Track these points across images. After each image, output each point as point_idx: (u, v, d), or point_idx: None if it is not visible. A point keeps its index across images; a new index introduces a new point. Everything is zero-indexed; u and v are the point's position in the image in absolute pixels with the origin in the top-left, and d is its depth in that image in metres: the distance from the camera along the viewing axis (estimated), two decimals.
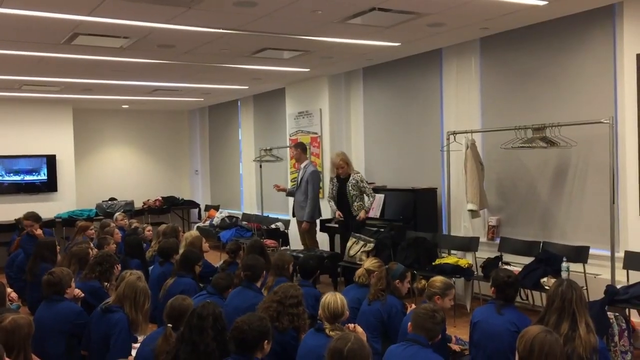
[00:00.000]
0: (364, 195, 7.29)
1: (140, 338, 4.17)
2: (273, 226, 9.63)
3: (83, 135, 12.26)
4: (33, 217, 7.27)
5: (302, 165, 8.11)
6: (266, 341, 3.12)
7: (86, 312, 4.51)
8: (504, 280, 3.90)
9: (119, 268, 5.11)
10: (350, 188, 7.31)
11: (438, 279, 4.19)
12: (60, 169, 11.35)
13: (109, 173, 12.94)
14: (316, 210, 7.99)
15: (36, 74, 8.26)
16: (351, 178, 7.36)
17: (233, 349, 3.13)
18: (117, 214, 9.23)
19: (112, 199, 12.27)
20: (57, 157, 11.31)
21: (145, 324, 4.16)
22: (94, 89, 9.69)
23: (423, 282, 4.46)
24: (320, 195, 8.33)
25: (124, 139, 13.24)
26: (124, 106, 12.55)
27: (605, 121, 5.29)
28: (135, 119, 13.27)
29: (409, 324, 3.38)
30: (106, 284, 4.95)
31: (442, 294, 4.05)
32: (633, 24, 5.17)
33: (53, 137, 11.32)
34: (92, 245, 6.16)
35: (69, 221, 10.55)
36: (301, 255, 7.10)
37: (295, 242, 8.90)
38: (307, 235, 8.02)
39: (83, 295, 4.73)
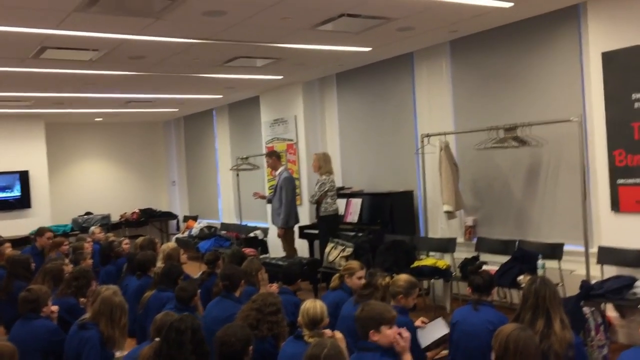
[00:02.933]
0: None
1: (118, 353, 4.11)
2: (252, 234, 9.60)
3: (56, 150, 12.11)
4: None
5: (278, 173, 8.12)
6: (250, 347, 3.12)
7: (62, 329, 4.46)
8: (478, 283, 3.94)
9: (96, 285, 5.04)
10: (315, 188, 7.46)
11: (402, 278, 4.18)
12: (33, 184, 11.20)
13: (85, 187, 12.79)
14: (291, 217, 7.96)
15: (5, 89, 8.15)
16: (319, 178, 7.43)
17: None
18: (93, 228, 9.12)
19: (88, 214, 12.14)
20: (30, 173, 11.16)
21: (123, 339, 4.10)
22: (66, 102, 9.58)
23: (387, 279, 4.44)
24: (298, 202, 8.33)
25: (98, 153, 13.11)
26: (97, 119, 12.43)
27: (574, 119, 5.38)
28: (109, 132, 13.15)
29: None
30: (82, 299, 4.88)
31: (406, 293, 4.05)
32: (597, 23, 5.28)
33: (26, 153, 11.17)
34: (66, 261, 6.08)
35: None
36: (281, 263, 7.11)
37: (275, 250, 8.88)
38: (284, 241, 8.01)
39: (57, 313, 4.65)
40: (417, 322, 4.32)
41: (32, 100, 9.15)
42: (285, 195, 7.85)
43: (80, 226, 11.39)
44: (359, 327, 3.25)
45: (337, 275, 4.93)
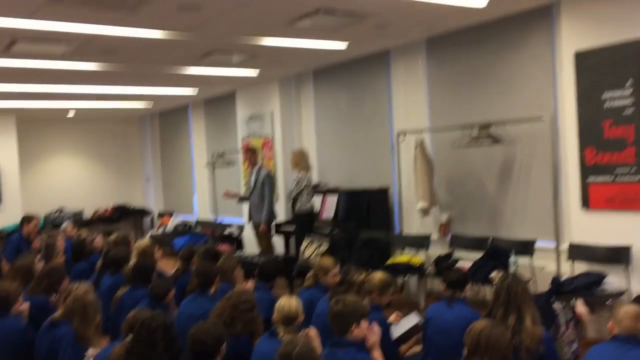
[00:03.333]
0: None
1: (91, 351, 4.07)
2: (227, 231, 9.56)
3: (28, 145, 11.90)
4: None
5: (255, 169, 8.09)
6: (224, 345, 3.10)
7: (33, 328, 4.38)
8: (452, 279, 3.98)
9: (68, 282, 4.96)
10: (293, 185, 7.47)
11: (377, 277, 4.19)
12: (4, 180, 11.00)
13: (57, 183, 12.59)
14: (272, 213, 7.99)
15: None
16: (296, 176, 7.45)
17: (187, 358, 3.08)
18: (65, 224, 8.99)
19: (60, 210, 11.94)
20: (0, 168, 10.94)
21: (98, 337, 4.05)
22: (37, 96, 9.40)
23: (363, 276, 4.45)
24: (275, 198, 8.32)
25: (71, 148, 12.91)
26: (69, 115, 12.21)
27: (546, 117, 5.46)
28: (82, 128, 12.96)
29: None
30: (54, 294, 4.80)
31: (380, 291, 4.07)
32: (570, 23, 5.36)
33: None
34: (37, 258, 5.98)
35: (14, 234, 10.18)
36: (256, 259, 7.08)
37: (250, 247, 8.86)
38: (262, 238, 8.00)
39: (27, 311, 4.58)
40: (392, 317, 4.36)
41: (2, 94, 8.96)
42: (267, 191, 7.86)
43: (52, 222, 11.21)
44: (338, 322, 3.23)
45: (312, 273, 4.93)
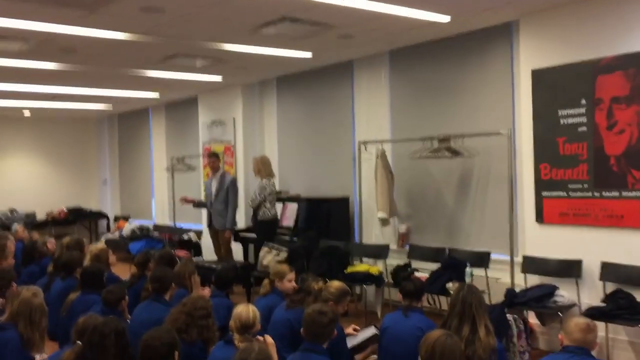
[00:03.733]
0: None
1: (38, 356, 3.94)
2: (185, 236, 9.43)
3: None
4: None
5: (218, 174, 8.01)
6: (177, 352, 3.05)
7: None
8: (409, 289, 4.02)
9: (16, 285, 4.80)
10: (255, 192, 7.38)
11: (334, 285, 4.22)
12: None
13: (9, 183, 12.21)
14: (235, 219, 7.94)
15: None
16: (259, 183, 7.38)
17: None
18: (15, 225, 8.73)
19: (12, 210, 11.58)
20: None
21: (42, 342, 3.94)
22: None
23: (320, 284, 4.46)
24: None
25: (25, 148, 12.55)
26: (25, 114, 11.88)
27: (503, 132, 5.58)
28: (38, 127, 12.61)
29: (302, 329, 3.39)
30: (1, 300, 4.65)
31: (336, 300, 4.08)
32: (528, 41, 5.50)
33: None
34: None
35: None
36: (214, 266, 7.00)
37: (208, 253, 8.76)
38: (225, 244, 7.93)
39: None
40: (349, 330, 4.36)
41: None
42: (232, 197, 7.83)
43: (3, 223, 10.86)
44: (319, 332, 3.31)
45: (267, 280, 4.90)
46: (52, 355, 3.67)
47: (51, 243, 7.40)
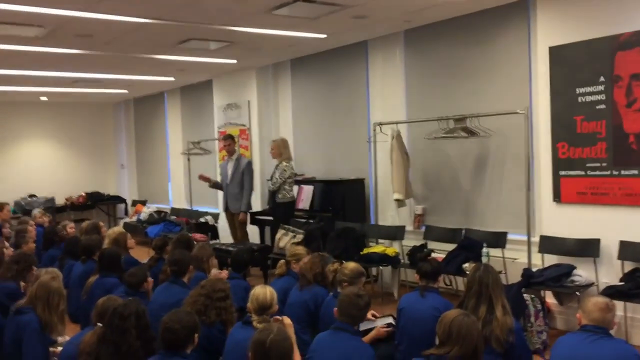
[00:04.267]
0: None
1: (60, 338, 4.03)
2: (202, 220, 9.50)
3: None
4: None
5: (234, 157, 8.04)
6: (196, 334, 3.09)
7: (2, 314, 4.32)
8: (426, 270, 4.03)
9: (36, 269, 4.89)
10: (276, 174, 7.35)
11: (348, 267, 4.23)
12: None
13: (29, 169, 12.36)
14: (250, 202, 7.97)
15: None
16: (279, 165, 7.38)
17: (160, 346, 3.07)
18: (35, 210, 8.85)
19: (31, 196, 11.74)
20: None
21: (61, 325, 4.00)
22: (8, 80, 9.20)
23: (336, 265, 4.48)
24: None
25: (43, 133, 12.67)
26: (42, 99, 11.99)
27: (520, 112, 5.52)
28: (56, 113, 12.72)
29: (335, 309, 3.42)
30: (23, 284, 4.73)
31: (351, 281, 4.10)
32: (546, 18, 5.41)
33: None
34: (7, 244, 5.88)
35: None
36: (231, 249, 7.05)
37: (225, 236, 8.83)
38: (240, 227, 7.97)
39: None
40: (367, 315, 4.38)
41: None
42: (248, 180, 7.84)
43: (23, 208, 11.02)
44: (353, 314, 3.36)
45: (283, 261, 4.94)
46: (73, 337, 3.74)
47: (71, 227, 7.52)
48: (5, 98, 11.53)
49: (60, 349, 3.80)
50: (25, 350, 3.74)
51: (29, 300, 3.97)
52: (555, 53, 5.29)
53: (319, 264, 4.51)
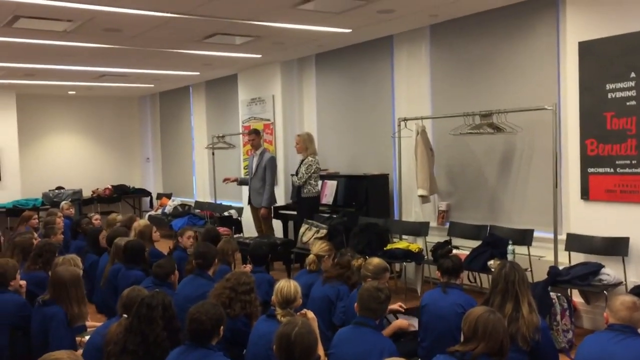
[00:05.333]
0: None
1: (88, 323, 4.10)
2: (226, 214, 9.57)
3: (28, 123, 11.88)
4: None
5: (258, 152, 8.07)
6: (222, 326, 3.12)
7: (31, 304, 4.40)
8: (447, 266, 4.01)
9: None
10: (302, 169, 7.35)
11: (373, 262, 4.23)
12: (3, 157, 10.99)
13: (56, 161, 12.57)
14: (273, 197, 7.99)
15: None
16: (304, 160, 7.39)
17: (185, 337, 3.10)
18: (62, 202, 9.01)
19: (59, 188, 11.94)
20: (0, 145, 10.92)
21: (84, 308, 4.06)
22: (37, 74, 9.36)
23: (360, 261, 4.48)
24: (275, 183, 8.32)
25: (71, 126, 12.87)
26: (70, 92, 12.18)
27: (549, 107, 5.44)
28: (83, 106, 12.91)
29: (355, 304, 3.42)
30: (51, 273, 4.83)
31: (375, 277, 4.09)
32: (576, 13, 5.32)
33: None
34: (36, 235, 6.00)
35: (13, 211, 10.22)
36: (249, 242, 7.09)
37: (249, 230, 8.88)
38: (264, 221, 8.00)
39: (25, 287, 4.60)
40: (395, 306, 4.38)
41: (3, 70, 8.93)
42: (269, 175, 7.85)
43: (51, 200, 11.21)
44: (374, 308, 3.35)
45: (314, 258, 4.90)
46: (99, 328, 3.79)
47: (97, 219, 7.64)
48: (35, 91, 11.72)
49: (87, 338, 3.87)
50: (52, 341, 3.81)
51: (50, 292, 4.04)
52: (585, 48, 5.20)
53: (344, 260, 4.52)
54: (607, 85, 5.06)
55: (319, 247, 4.96)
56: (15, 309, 4.27)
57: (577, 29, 5.29)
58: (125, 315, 3.46)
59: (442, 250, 6.01)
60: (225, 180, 8.58)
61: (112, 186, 12.68)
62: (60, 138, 12.77)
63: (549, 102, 5.54)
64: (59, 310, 3.95)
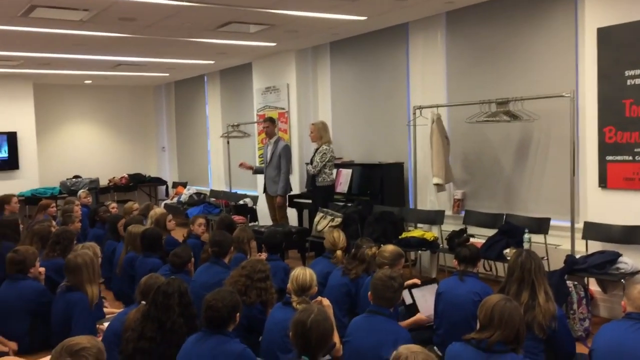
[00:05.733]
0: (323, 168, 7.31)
1: (107, 305, 4.17)
2: (241, 202, 9.61)
3: (45, 112, 11.99)
4: None
5: (273, 140, 8.08)
6: (238, 313, 3.15)
7: (50, 291, 4.47)
8: (464, 255, 4.00)
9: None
10: (316, 158, 7.33)
11: (388, 249, 4.23)
12: (21, 146, 11.11)
13: (73, 150, 12.70)
14: (288, 185, 8.00)
15: None
16: (319, 149, 7.38)
17: (201, 324, 3.13)
18: (80, 191, 9.10)
19: (76, 177, 12.06)
20: (18, 135, 11.05)
21: (94, 292, 4.13)
22: (53, 63, 9.44)
23: (374, 249, 4.48)
24: (290, 171, 8.33)
25: (87, 115, 12.98)
26: (86, 81, 12.27)
27: (566, 95, 5.38)
28: (98, 95, 13.00)
29: (369, 293, 3.43)
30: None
31: (391, 264, 4.09)
32: None
33: (13, 114, 11.04)
34: (54, 223, 6.07)
35: (31, 199, 10.35)
36: (263, 230, 7.10)
37: (264, 218, 8.91)
38: (280, 210, 8.03)
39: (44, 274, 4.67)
40: (411, 282, 4.40)
41: (20, 60, 9.01)
42: (284, 163, 7.86)
43: (69, 189, 11.33)
44: (388, 297, 3.33)
45: (341, 252, 4.83)
46: (118, 314, 3.84)
47: (113, 207, 7.71)
48: (51, 80, 11.83)
49: (106, 325, 3.92)
50: (75, 327, 3.87)
51: (72, 279, 4.10)
52: (604, 34, 5.13)
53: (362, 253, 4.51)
54: (626, 72, 4.99)
55: (342, 242, 4.89)
56: (35, 296, 4.34)
57: (595, 15, 5.22)
58: (143, 302, 3.50)
59: (459, 239, 5.99)
60: (241, 165, 8.59)
61: (128, 175, 12.78)
62: (77, 127, 12.88)
63: (567, 89, 5.47)
64: (83, 296, 4.01)
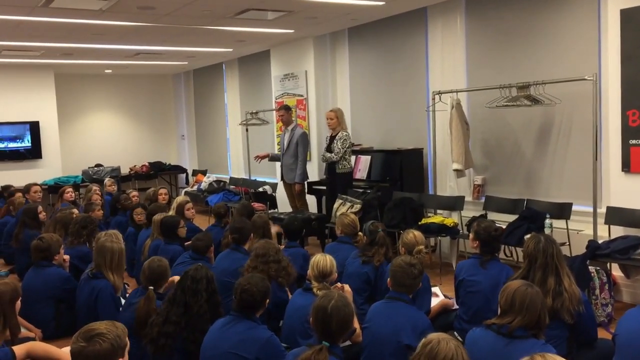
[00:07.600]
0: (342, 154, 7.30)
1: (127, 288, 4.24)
2: (261, 189, 9.64)
3: (66, 101, 12.13)
4: None
5: (290, 128, 8.08)
6: (267, 300, 3.19)
7: (75, 277, 4.55)
8: (490, 234, 3.95)
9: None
10: (338, 144, 7.32)
11: (409, 236, 4.22)
12: (44, 135, 11.26)
13: (94, 139, 12.86)
14: (305, 172, 8.01)
15: (15, 39, 8.10)
16: (338, 135, 7.36)
17: (233, 307, 3.15)
18: (105, 179, 9.23)
19: (98, 165, 12.21)
20: (40, 124, 11.20)
21: (117, 281, 4.19)
22: (75, 53, 9.53)
23: (421, 247, 4.47)
24: (308, 158, 8.34)
25: (108, 104, 13.11)
26: (107, 71, 12.37)
27: (589, 78, 5.29)
28: (119, 84, 13.11)
29: (388, 280, 3.43)
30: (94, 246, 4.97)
31: (415, 248, 4.10)
32: None
33: (36, 104, 11.19)
34: (76, 211, 6.16)
35: (54, 188, 10.50)
36: (283, 217, 7.13)
37: (283, 205, 8.94)
38: (298, 197, 8.04)
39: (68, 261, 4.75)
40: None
41: (41, 50, 9.11)
42: (302, 151, 7.86)
43: (91, 177, 11.47)
44: (408, 284, 3.33)
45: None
46: (129, 297, 3.90)
47: (134, 196, 7.80)
48: (72, 70, 11.95)
49: None
50: (101, 313, 3.93)
51: (97, 266, 4.16)
52: (628, 15, 5.02)
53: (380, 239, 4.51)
54: None
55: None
56: (60, 282, 4.42)
57: None
58: (151, 288, 3.56)
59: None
60: (256, 157, 8.63)
61: (149, 163, 12.90)
62: (98, 116, 13.01)
63: (589, 72, 5.39)
64: (107, 283, 4.08)
